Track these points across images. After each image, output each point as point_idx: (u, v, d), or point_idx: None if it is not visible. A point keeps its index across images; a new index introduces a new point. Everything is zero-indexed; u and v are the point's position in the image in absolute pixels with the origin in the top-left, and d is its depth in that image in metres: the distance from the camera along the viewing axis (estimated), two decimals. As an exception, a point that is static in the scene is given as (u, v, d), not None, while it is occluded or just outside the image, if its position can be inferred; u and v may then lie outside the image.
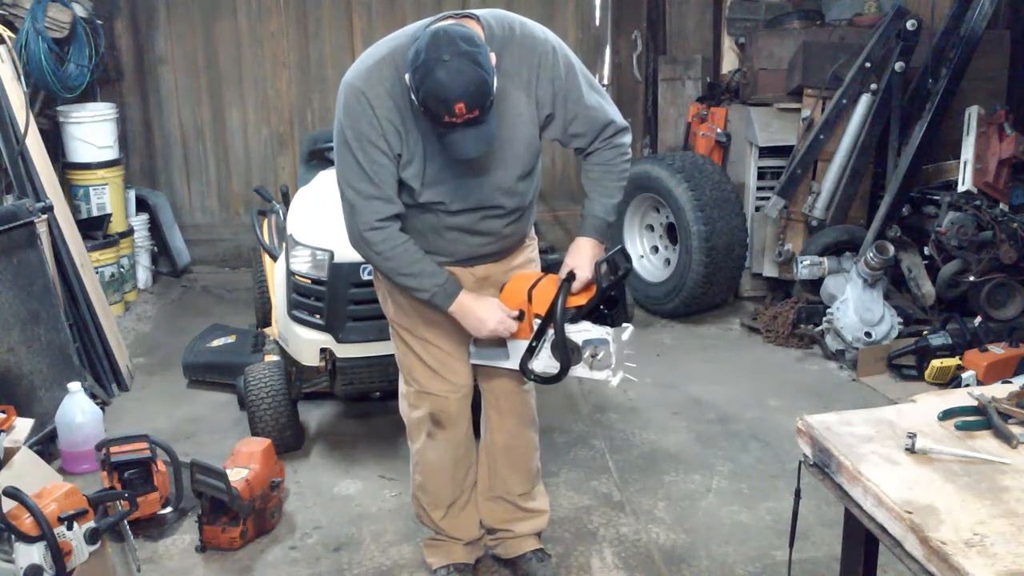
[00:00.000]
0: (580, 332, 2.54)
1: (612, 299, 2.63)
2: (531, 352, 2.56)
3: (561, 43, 2.49)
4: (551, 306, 2.51)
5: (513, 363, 2.62)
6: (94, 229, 5.45)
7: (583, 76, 2.50)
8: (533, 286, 2.58)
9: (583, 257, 2.57)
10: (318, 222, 3.65)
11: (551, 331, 2.52)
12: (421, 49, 2.20)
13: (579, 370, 2.57)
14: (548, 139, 2.55)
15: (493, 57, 2.28)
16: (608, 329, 2.54)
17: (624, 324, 2.59)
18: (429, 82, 2.17)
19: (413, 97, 2.25)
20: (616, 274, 2.56)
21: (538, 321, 2.55)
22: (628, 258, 2.60)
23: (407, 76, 2.25)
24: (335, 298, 3.49)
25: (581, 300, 2.56)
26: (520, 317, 2.57)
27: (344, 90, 2.40)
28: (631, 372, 2.55)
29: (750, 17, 5.95)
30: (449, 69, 2.15)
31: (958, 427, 1.99)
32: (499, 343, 2.62)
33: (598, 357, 2.53)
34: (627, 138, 2.62)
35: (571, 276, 2.54)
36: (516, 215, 2.61)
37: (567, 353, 2.52)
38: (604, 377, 2.55)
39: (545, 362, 2.57)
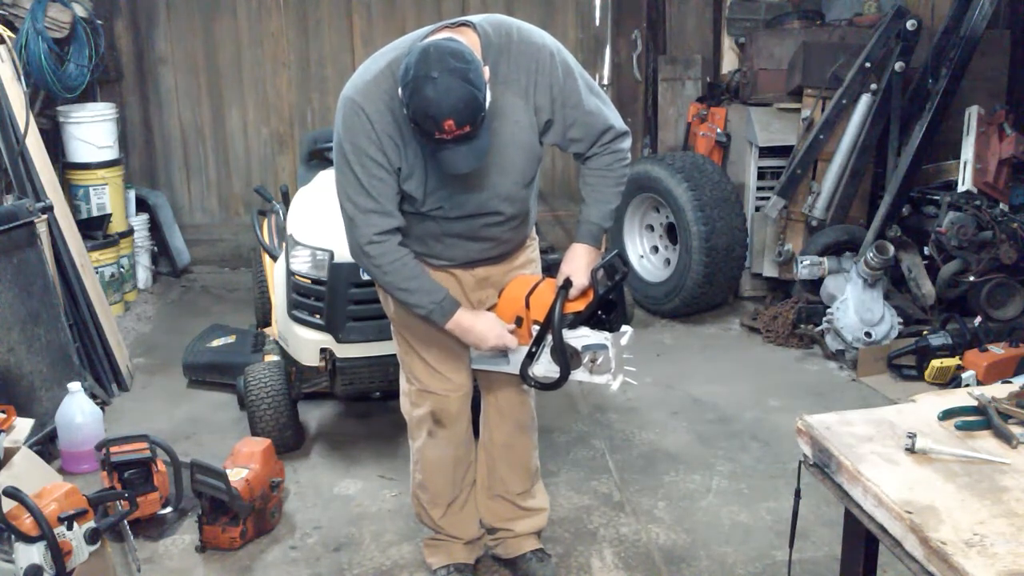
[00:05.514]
0: (579, 338, 2.54)
1: (610, 303, 2.63)
2: (531, 358, 2.57)
3: (560, 47, 2.46)
4: (548, 314, 2.51)
5: (514, 368, 2.62)
6: (94, 229, 5.45)
7: (582, 80, 2.48)
8: (530, 292, 2.58)
9: (579, 263, 2.56)
10: (318, 222, 3.65)
11: (550, 337, 2.52)
12: (410, 66, 2.19)
13: (579, 375, 2.57)
14: (548, 144, 2.54)
15: (486, 71, 2.26)
16: (607, 334, 2.53)
17: (623, 328, 2.59)
18: (417, 99, 2.17)
19: (405, 112, 2.24)
20: (613, 279, 2.55)
21: (536, 327, 2.55)
22: (625, 262, 2.61)
23: (399, 91, 2.24)
24: (335, 298, 3.49)
25: (579, 306, 2.55)
26: (518, 324, 2.57)
27: (343, 104, 2.39)
28: (631, 375, 2.55)
29: (750, 17, 5.95)
30: (437, 86, 2.14)
31: (958, 427, 1.99)
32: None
33: (598, 362, 2.53)
34: (626, 143, 2.59)
35: (568, 283, 2.53)
36: (516, 221, 2.61)
37: (566, 359, 2.52)
38: (604, 381, 2.55)
39: (545, 367, 2.57)
